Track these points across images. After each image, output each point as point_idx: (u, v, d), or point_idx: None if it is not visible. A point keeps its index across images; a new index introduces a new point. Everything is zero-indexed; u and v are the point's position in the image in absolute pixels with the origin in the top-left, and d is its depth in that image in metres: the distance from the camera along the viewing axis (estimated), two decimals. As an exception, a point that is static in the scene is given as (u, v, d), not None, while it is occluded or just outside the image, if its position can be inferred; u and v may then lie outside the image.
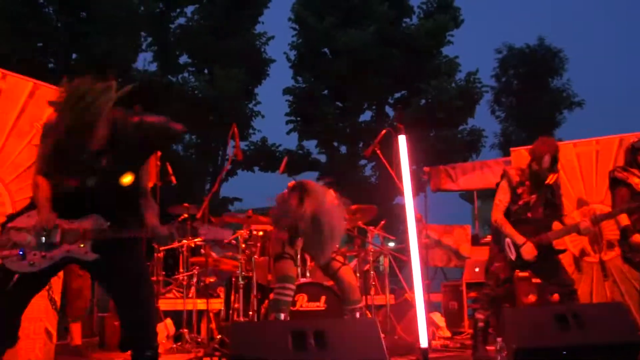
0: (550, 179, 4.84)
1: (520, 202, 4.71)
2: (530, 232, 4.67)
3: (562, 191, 6.79)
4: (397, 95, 21.74)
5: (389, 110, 21.55)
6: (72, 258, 3.29)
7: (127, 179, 3.29)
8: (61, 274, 5.25)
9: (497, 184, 4.96)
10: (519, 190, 4.73)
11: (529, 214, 4.72)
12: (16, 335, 3.36)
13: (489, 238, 8.84)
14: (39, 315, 5.00)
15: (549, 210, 4.81)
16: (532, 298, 7.30)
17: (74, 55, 18.79)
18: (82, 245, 3.26)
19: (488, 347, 4.74)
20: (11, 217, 3.33)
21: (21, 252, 3.18)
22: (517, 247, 4.64)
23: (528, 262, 4.68)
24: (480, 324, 4.70)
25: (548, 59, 24.11)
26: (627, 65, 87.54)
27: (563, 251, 4.86)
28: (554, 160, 4.78)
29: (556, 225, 4.92)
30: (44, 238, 3.21)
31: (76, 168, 3.23)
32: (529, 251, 4.59)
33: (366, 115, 21.83)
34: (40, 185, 3.28)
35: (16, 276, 3.19)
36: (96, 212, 3.31)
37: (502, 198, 4.79)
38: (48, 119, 3.42)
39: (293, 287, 4.49)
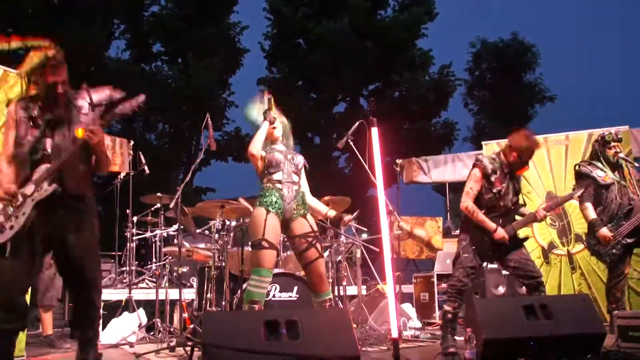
0: (521, 171, 4.91)
1: (494, 190, 4.75)
2: (502, 220, 4.73)
3: (532, 185, 6.94)
4: (371, 87, 21.82)
5: (363, 102, 21.65)
6: (40, 202, 3.42)
7: (79, 133, 3.48)
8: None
9: (468, 173, 4.98)
10: (493, 178, 4.77)
11: (501, 203, 4.77)
12: (25, 317, 3.48)
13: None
14: (9, 304, 4.95)
15: (515, 199, 4.87)
16: (501, 289, 7.41)
17: (45, 42, 18.50)
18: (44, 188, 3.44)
19: (457, 338, 4.80)
20: None
21: None
22: (488, 235, 4.68)
23: (496, 252, 4.73)
24: (449, 315, 4.74)
25: (521, 54, 24.37)
26: (597, 62, 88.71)
27: (526, 239, 4.94)
28: (531, 155, 4.86)
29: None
30: (11, 208, 3.41)
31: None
32: (501, 235, 4.63)
33: (340, 107, 21.91)
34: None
35: (8, 245, 3.37)
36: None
37: (474, 186, 4.79)
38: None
39: (269, 279, 4.49)
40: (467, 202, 4.76)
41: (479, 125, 24.39)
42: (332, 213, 4.92)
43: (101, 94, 3.78)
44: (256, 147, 4.61)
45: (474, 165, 4.87)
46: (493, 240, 4.67)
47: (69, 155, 3.46)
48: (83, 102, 3.68)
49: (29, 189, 3.43)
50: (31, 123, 3.55)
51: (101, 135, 3.57)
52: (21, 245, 3.39)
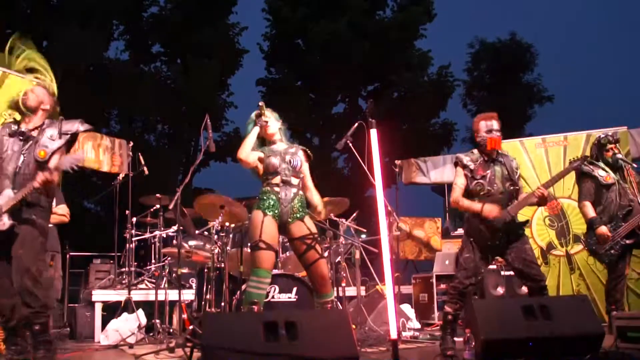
0: (493, 144, 4.83)
1: (477, 177, 4.77)
2: (500, 207, 4.71)
3: (531, 185, 6.93)
4: (369, 87, 21.83)
5: (361, 103, 21.66)
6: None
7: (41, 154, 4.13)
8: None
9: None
10: (472, 166, 4.81)
11: (491, 189, 4.76)
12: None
13: (459, 231, 8.97)
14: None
15: (509, 184, 4.84)
16: (500, 290, 7.42)
17: (44, 44, 18.49)
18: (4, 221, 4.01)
19: (457, 339, 4.81)
20: None
21: None
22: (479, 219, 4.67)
23: (495, 242, 4.69)
24: (449, 317, 4.73)
25: (519, 54, 24.39)
26: (595, 62, 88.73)
27: (526, 222, 4.92)
28: (488, 125, 4.84)
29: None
30: None
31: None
32: (489, 209, 4.62)
33: (339, 107, 21.92)
34: None
35: None
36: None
37: (458, 181, 4.84)
38: None
39: (268, 280, 4.51)
40: (453, 196, 4.85)
41: (477, 126, 24.36)
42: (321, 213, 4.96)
43: (71, 126, 4.36)
44: (245, 151, 4.67)
45: (455, 165, 4.94)
46: (488, 226, 4.64)
47: (29, 191, 3.99)
48: (53, 131, 4.26)
49: None
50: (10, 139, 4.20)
51: (55, 179, 4.13)
52: None
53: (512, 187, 4.81)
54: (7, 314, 4.06)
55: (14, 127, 4.24)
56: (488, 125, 4.84)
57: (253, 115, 4.82)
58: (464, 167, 4.83)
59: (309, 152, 4.98)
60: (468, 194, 4.79)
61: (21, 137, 4.20)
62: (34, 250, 4.12)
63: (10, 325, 4.08)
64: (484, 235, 4.68)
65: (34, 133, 4.24)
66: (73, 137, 4.38)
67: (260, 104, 4.78)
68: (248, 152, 4.67)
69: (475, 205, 4.69)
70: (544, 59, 25.18)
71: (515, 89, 23.70)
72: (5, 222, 3.98)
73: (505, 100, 23.09)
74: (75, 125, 4.40)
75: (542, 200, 4.80)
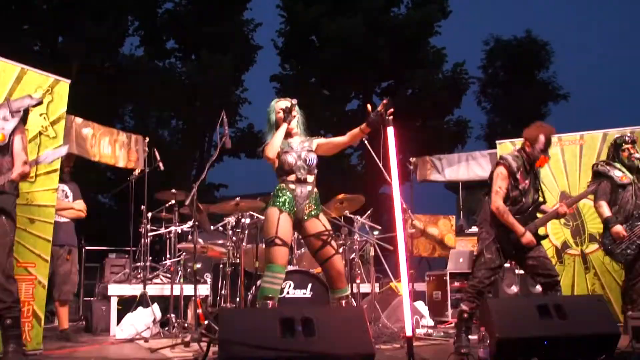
0: (542, 162, 4.84)
1: (519, 187, 4.73)
2: (524, 218, 4.71)
3: (547, 185, 6.92)
4: (383, 84, 21.79)
5: (376, 100, 21.61)
6: None
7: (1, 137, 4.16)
8: (49, 258, 5.28)
9: (492, 172, 4.91)
10: (518, 175, 4.75)
11: (523, 200, 4.75)
12: None
13: (473, 229, 8.95)
14: (27, 299, 5.02)
15: (536, 197, 4.85)
16: (514, 289, 7.41)
17: (60, 39, 18.62)
18: None
19: (471, 337, 4.81)
20: None
21: None
22: (514, 237, 4.66)
23: (519, 251, 4.71)
24: (465, 315, 4.73)
25: (535, 52, 24.24)
26: (612, 60, 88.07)
27: (545, 236, 4.93)
28: (548, 142, 4.81)
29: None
30: None
31: None
32: (529, 240, 4.62)
33: (353, 104, 21.88)
34: None
35: None
36: None
37: (502, 185, 4.72)
38: None
39: (282, 275, 4.53)
40: (497, 202, 4.70)
41: (492, 124, 24.29)
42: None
43: (21, 102, 4.37)
44: (273, 150, 4.64)
45: (499, 164, 4.83)
46: (518, 240, 4.65)
47: (3, 182, 4.04)
48: (4, 111, 4.25)
49: None
50: None
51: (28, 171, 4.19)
52: None
53: (537, 201, 4.82)
54: None
55: None
56: (548, 141, 4.80)
57: (278, 108, 4.78)
58: (511, 172, 4.75)
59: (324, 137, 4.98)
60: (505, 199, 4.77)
61: None
62: (5, 246, 4.15)
63: None
64: (510, 245, 4.69)
65: None
66: (25, 114, 4.37)
67: (294, 101, 4.75)
68: (276, 151, 4.66)
69: (518, 228, 4.65)
70: (559, 57, 25.05)
71: (530, 86, 23.56)
72: None
73: (520, 98, 22.99)
74: (26, 101, 4.39)
75: (562, 216, 4.91)
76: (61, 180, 5.89)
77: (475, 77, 23.24)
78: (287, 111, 4.70)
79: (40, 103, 4.62)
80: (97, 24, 17.39)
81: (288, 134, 4.78)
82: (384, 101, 4.34)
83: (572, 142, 7.44)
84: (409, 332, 3.79)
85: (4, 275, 4.06)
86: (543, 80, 24.33)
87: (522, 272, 7.23)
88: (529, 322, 3.99)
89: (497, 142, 8.08)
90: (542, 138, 4.76)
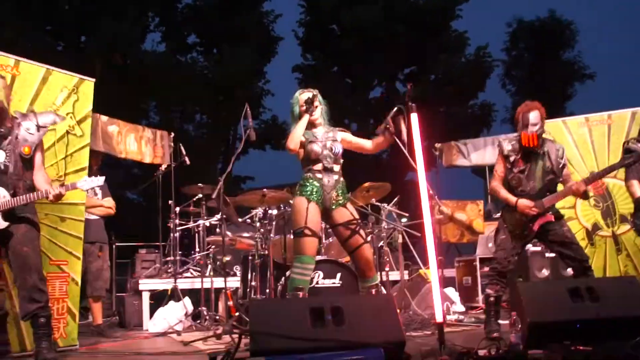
0: (526, 140, 4.75)
1: (515, 170, 4.74)
2: (536, 199, 4.69)
3: (575, 166, 6.83)
4: (406, 70, 21.66)
5: (399, 86, 21.50)
6: None
7: (26, 150, 4.18)
8: (81, 255, 5.36)
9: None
10: (512, 158, 4.77)
11: (529, 182, 4.73)
12: None
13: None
14: (61, 295, 5.11)
15: (549, 177, 4.78)
16: (545, 272, 7.35)
17: (82, 38, 18.78)
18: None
19: (502, 322, 4.79)
20: None
21: None
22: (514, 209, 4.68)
23: (527, 230, 4.69)
24: (491, 299, 4.74)
25: (558, 32, 23.90)
26: (638, 37, 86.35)
27: (562, 216, 4.88)
28: (524, 118, 4.76)
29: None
30: None
31: None
32: (524, 205, 4.61)
33: (376, 92, 21.81)
34: None
35: None
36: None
37: (497, 168, 4.87)
38: None
39: (312, 266, 4.55)
40: (492, 182, 4.91)
41: (517, 106, 23.94)
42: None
43: (47, 118, 4.44)
44: (294, 141, 4.65)
45: (497, 148, 4.91)
46: (523, 216, 4.64)
47: (37, 199, 4.11)
48: (30, 124, 4.28)
49: None
50: None
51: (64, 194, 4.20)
52: None
53: (552, 181, 4.76)
54: None
55: None
56: (525, 118, 4.76)
57: (302, 100, 4.78)
58: (505, 157, 4.82)
59: (346, 132, 4.97)
60: (505, 181, 4.80)
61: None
62: (37, 249, 4.26)
63: None
64: (517, 224, 4.71)
65: (5, 129, 4.20)
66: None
67: (315, 92, 4.77)
68: (297, 142, 4.66)
69: (511, 199, 4.73)
70: (584, 36, 24.66)
71: (555, 67, 23.27)
72: (2, 222, 4.08)
73: (545, 79, 22.71)
74: (52, 117, 4.50)
75: (583, 195, 4.75)
76: (90, 178, 5.96)
77: (499, 60, 23.00)
78: (309, 102, 4.70)
79: (64, 119, 4.81)
80: (119, 21, 17.51)
81: (312, 125, 4.79)
82: (409, 87, 4.33)
83: (599, 122, 7.33)
84: (439, 319, 3.77)
85: (39, 276, 4.16)
86: (568, 60, 24.01)
87: (552, 255, 7.17)
88: (560, 305, 3.94)
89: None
90: (519, 117, 4.79)
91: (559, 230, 4.70)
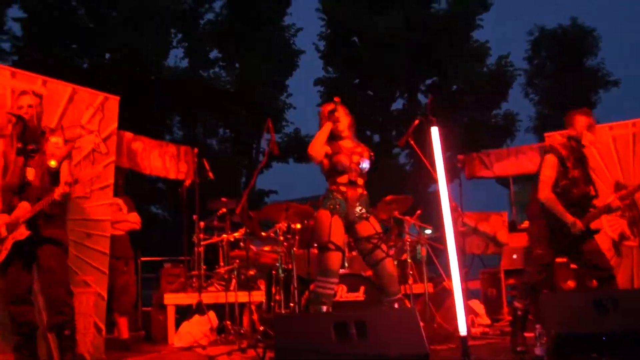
0: (587, 140, 4.71)
1: (570, 176, 4.61)
2: (577, 210, 4.59)
3: (599, 176, 6.77)
4: (428, 81, 21.64)
5: (421, 97, 21.48)
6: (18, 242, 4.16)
7: (52, 164, 4.23)
8: (107, 270, 5.43)
9: (540, 162, 4.81)
10: (568, 164, 4.61)
11: (574, 190, 4.63)
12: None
13: (526, 224, 8.82)
14: (88, 310, 5.18)
15: (588, 189, 4.72)
16: (570, 284, 7.28)
17: (107, 56, 19.06)
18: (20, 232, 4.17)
19: (527, 334, 4.76)
20: None
21: None
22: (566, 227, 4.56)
23: (569, 245, 4.62)
24: (519, 313, 4.69)
25: (581, 39, 23.69)
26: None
27: (597, 231, 4.82)
28: (587, 119, 4.72)
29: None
30: None
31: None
32: (579, 226, 4.51)
33: (398, 103, 21.80)
34: None
35: None
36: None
37: (549, 174, 4.59)
38: None
39: (336, 280, 4.56)
40: (545, 191, 4.59)
41: (541, 115, 23.83)
42: None
43: (73, 131, 4.70)
44: (316, 148, 4.68)
45: (547, 152, 4.73)
46: (569, 232, 4.56)
47: (45, 204, 4.13)
48: (57, 138, 4.40)
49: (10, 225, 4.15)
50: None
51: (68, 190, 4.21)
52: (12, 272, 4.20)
53: (589, 194, 4.71)
54: (22, 321, 4.27)
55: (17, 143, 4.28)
56: (588, 121, 4.72)
57: (325, 112, 4.82)
58: (560, 160, 4.63)
59: (372, 154, 4.97)
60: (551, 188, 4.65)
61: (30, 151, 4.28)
62: (64, 262, 4.38)
63: (22, 331, 4.28)
64: (562, 237, 4.60)
65: (35, 146, 4.32)
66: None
67: (336, 99, 4.80)
68: (319, 148, 4.69)
69: (568, 217, 4.54)
70: (607, 42, 24.41)
71: (578, 75, 23.06)
72: (23, 231, 4.17)
73: (569, 87, 22.52)
74: (77, 131, 4.70)
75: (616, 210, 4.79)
76: (115, 194, 6.05)
77: (521, 69, 22.87)
78: (331, 111, 4.74)
79: (91, 132, 4.93)
80: (141, 37, 17.76)
81: (339, 136, 4.81)
82: (429, 100, 4.35)
83: (624, 129, 7.27)
84: (462, 332, 3.77)
85: (66, 291, 4.29)
86: (591, 68, 23.78)
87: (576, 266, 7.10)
88: (586, 317, 3.93)
89: (545, 134, 7.96)
90: (578, 119, 4.71)
91: (586, 239, 4.66)
